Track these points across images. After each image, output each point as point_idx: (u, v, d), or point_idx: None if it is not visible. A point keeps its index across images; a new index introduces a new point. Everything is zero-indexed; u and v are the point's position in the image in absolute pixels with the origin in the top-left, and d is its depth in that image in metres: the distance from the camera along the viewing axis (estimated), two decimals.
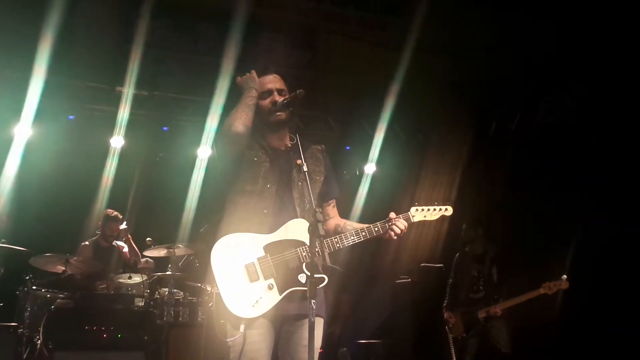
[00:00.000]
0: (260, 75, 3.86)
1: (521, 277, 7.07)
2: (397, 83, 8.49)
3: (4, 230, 7.46)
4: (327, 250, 3.51)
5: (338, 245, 3.62)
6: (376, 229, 3.66)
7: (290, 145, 3.84)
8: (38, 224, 8.15)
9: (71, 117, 8.80)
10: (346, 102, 9.40)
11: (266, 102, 3.77)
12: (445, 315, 7.13)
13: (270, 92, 3.79)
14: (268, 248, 3.58)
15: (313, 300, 3.24)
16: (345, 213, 9.44)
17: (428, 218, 3.77)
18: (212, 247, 3.57)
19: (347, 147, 10.10)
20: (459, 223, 7.40)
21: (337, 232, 3.79)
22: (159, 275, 7.67)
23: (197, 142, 8.87)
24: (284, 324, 3.61)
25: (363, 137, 9.59)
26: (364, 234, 3.63)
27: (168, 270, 7.47)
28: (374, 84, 8.90)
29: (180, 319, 7.30)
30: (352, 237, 3.64)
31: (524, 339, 7.08)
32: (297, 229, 3.60)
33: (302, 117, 7.87)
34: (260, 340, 3.51)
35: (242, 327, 3.45)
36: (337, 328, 7.88)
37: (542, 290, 6.61)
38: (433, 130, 9.62)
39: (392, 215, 3.68)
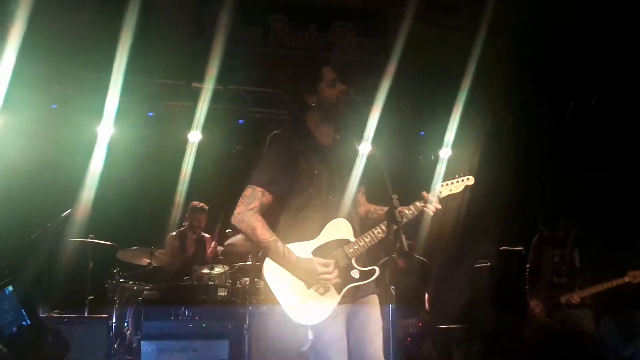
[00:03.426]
0: (317, 65, 3.82)
1: (604, 263, 6.86)
2: (470, 66, 8.38)
3: (92, 226, 7.77)
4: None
5: (380, 236, 3.64)
6: (410, 211, 3.70)
7: (338, 137, 3.85)
8: (123, 219, 8.43)
9: (150, 113, 9.08)
10: (419, 87, 9.33)
11: (334, 92, 3.73)
12: (529, 301, 7.00)
13: (334, 81, 3.74)
14: (316, 253, 3.61)
15: (392, 287, 3.42)
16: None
17: (453, 191, 3.84)
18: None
19: (422, 133, 10.05)
20: (537, 207, 7.27)
21: (368, 217, 3.88)
22: (240, 266, 7.83)
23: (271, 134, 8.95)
24: (351, 317, 3.66)
25: (437, 122, 9.51)
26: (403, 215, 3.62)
27: (249, 261, 7.62)
28: (447, 68, 8.81)
29: (262, 308, 7.44)
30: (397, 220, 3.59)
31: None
32: (339, 228, 3.66)
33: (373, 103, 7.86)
34: (333, 340, 3.54)
35: (310, 334, 3.49)
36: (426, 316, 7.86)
37: (627, 279, 6.36)
38: (508, 112, 9.45)
39: (424, 194, 3.73)
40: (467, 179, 3.87)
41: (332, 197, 3.69)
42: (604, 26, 7.92)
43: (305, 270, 3.53)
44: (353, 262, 3.63)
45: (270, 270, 3.57)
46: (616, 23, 7.74)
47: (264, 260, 3.59)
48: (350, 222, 3.70)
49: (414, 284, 7.91)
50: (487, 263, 8.39)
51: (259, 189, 3.62)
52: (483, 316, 8.13)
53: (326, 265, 3.53)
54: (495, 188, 9.16)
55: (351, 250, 3.62)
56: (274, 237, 3.55)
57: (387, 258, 3.53)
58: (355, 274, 3.62)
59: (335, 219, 3.67)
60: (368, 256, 3.70)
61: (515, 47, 8.47)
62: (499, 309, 7.97)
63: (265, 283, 3.55)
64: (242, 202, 3.61)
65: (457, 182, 3.86)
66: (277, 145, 3.73)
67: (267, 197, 3.63)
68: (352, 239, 3.67)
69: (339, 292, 3.57)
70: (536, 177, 8.86)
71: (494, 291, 8.11)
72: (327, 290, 3.55)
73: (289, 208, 3.67)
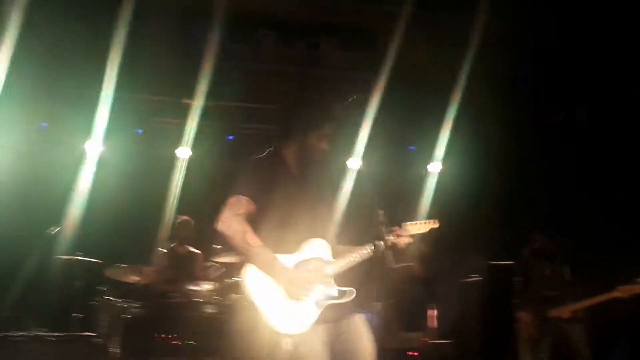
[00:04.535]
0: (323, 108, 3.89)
1: (594, 278, 6.85)
2: (460, 80, 8.41)
3: (80, 243, 7.74)
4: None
5: (357, 259, 3.77)
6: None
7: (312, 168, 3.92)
8: (112, 236, 8.40)
9: (139, 130, 9.08)
10: (409, 101, 9.35)
11: (318, 145, 3.82)
12: (519, 314, 6.97)
13: (325, 138, 3.83)
14: (298, 267, 3.66)
15: (379, 303, 3.40)
16: (411, 212, 9.46)
17: (421, 230, 4.02)
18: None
19: (412, 147, 10.06)
20: (527, 221, 7.26)
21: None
22: (228, 282, 7.79)
23: (262, 150, 8.96)
24: (335, 331, 3.70)
25: (427, 136, 9.52)
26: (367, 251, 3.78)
27: (237, 277, 7.58)
28: (437, 82, 8.83)
29: (249, 324, 7.39)
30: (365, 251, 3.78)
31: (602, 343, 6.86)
32: (318, 248, 3.76)
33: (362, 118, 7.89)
34: (311, 350, 3.57)
35: (288, 344, 3.51)
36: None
37: (616, 293, 6.36)
38: (498, 127, 9.47)
39: (395, 228, 3.85)
40: (434, 222, 4.09)
41: (310, 220, 3.76)
42: (595, 37, 7.96)
43: (289, 279, 3.55)
44: (332, 280, 3.70)
45: (252, 277, 3.57)
46: (604, 33, 7.77)
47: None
48: (328, 244, 3.80)
49: (422, 297, 7.90)
50: (476, 277, 8.37)
51: (245, 198, 3.66)
52: (473, 331, 8.09)
53: (311, 277, 3.59)
54: (485, 202, 9.18)
55: (331, 269, 3.70)
56: (262, 244, 3.58)
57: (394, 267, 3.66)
58: (334, 292, 3.69)
59: (314, 239, 3.75)
60: (348, 277, 3.78)
61: (503, 59, 8.48)
62: (489, 323, 7.94)
63: (247, 290, 3.56)
64: (228, 209, 3.64)
65: (424, 223, 4.05)
66: (259, 165, 3.82)
67: (252, 207, 3.66)
68: (331, 259, 3.75)
69: (318, 308, 3.62)
70: (526, 191, 8.85)
71: (483, 306, 8.09)
72: (306, 303, 3.58)
73: (268, 225, 3.69)
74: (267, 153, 3.89)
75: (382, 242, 3.62)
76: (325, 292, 3.66)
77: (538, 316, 6.77)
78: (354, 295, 3.70)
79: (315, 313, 3.61)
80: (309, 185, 3.86)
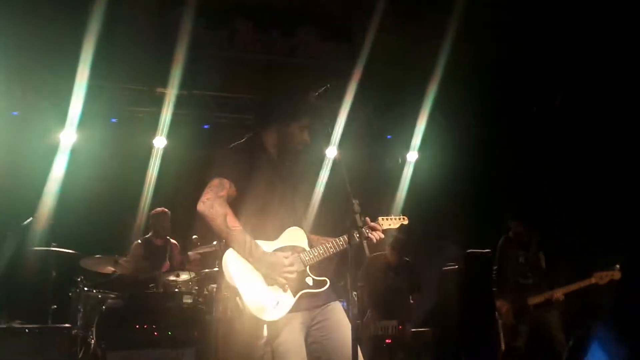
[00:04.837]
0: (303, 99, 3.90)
1: (571, 265, 6.94)
2: (436, 70, 8.42)
3: (55, 234, 7.64)
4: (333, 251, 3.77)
5: (333, 250, 3.78)
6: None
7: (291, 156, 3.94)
8: (87, 227, 8.31)
9: (114, 119, 8.97)
10: (385, 91, 9.35)
11: (299, 137, 3.83)
12: (497, 302, 7.03)
13: (306, 129, 3.84)
14: (276, 254, 3.67)
15: (355, 293, 3.39)
16: (389, 201, 9.48)
17: (392, 226, 4.11)
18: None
19: (389, 136, 10.07)
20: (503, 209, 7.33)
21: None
22: (206, 272, 7.76)
23: (238, 138, 8.92)
24: (311, 319, 3.73)
25: (404, 125, 9.54)
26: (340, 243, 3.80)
27: (215, 267, 7.55)
28: (413, 72, 8.84)
29: (228, 313, 7.37)
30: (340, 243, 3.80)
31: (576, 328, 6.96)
32: (296, 236, 3.78)
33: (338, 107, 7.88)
34: (289, 342, 3.59)
35: (265, 330, 3.53)
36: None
37: (593, 280, 6.46)
38: (473, 115, 9.53)
39: (367, 219, 3.84)
40: (403, 218, 4.19)
41: (287, 208, 3.79)
42: (567, 28, 8.00)
43: (269, 263, 3.57)
44: (307, 269, 3.73)
45: (232, 262, 3.57)
46: (579, 24, 7.82)
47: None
48: (305, 233, 3.83)
49: (398, 285, 7.91)
50: (454, 266, 8.42)
51: (227, 180, 3.65)
52: (452, 319, 8.15)
53: (291, 263, 3.61)
54: (462, 191, 9.23)
55: (307, 258, 3.73)
56: (242, 228, 3.58)
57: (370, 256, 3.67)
58: (309, 280, 3.72)
59: (292, 227, 3.78)
60: (323, 266, 3.82)
61: (479, 50, 8.51)
62: (467, 311, 7.99)
63: (228, 274, 3.55)
64: (210, 190, 3.62)
65: (395, 219, 4.14)
66: (240, 150, 3.83)
67: (233, 190, 3.66)
68: (307, 248, 3.78)
69: (294, 294, 3.64)
70: (501, 179, 8.92)
71: (461, 294, 8.14)
72: (284, 290, 3.61)
73: (247, 211, 3.68)
74: (248, 139, 3.89)
75: (356, 234, 3.57)
76: (301, 280, 3.68)
77: (514, 304, 6.84)
78: (327, 286, 3.74)
79: (290, 301, 3.61)
80: (288, 173, 3.87)
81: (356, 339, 3.40)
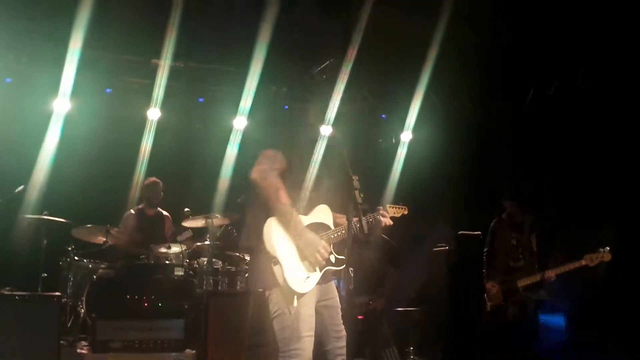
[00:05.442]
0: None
1: (563, 247, 6.99)
2: (431, 51, 8.38)
3: (46, 203, 7.61)
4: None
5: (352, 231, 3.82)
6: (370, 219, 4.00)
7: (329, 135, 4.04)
8: (79, 196, 8.29)
9: (108, 90, 8.91)
10: (380, 70, 9.31)
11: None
12: (487, 284, 7.07)
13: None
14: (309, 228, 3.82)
15: (351, 269, 3.70)
16: (382, 181, 9.47)
17: (396, 215, 4.24)
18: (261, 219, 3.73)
19: (383, 116, 10.06)
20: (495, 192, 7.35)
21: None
22: (198, 245, 7.77)
23: (233, 112, 8.91)
24: (320, 294, 3.91)
25: (398, 105, 9.52)
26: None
27: (207, 240, 7.57)
28: (408, 52, 8.79)
29: (219, 287, 7.41)
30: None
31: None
32: (325, 214, 3.94)
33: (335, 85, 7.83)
34: (308, 314, 3.76)
35: (295, 301, 3.68)
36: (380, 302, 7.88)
37: (583, 262, 6.51)
38: (468, 97, 9.51)
39: (380, 208, 4.06)
40: (405, 208, 4.33)
41: (324, 186, 3.91)
42: (566, 15, 7.98)
43: (308, 240, 3.73)
44: (331, 247, 3.87)
45: (275, 232, 3.70)
46: (579, 12, 7.80)
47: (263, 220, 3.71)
48: (331, 212, 3.97)
49: (370, 262, 7.90)
50: (445, 247, 8.45)
51: (280, 153, 3.79)
52: (441, 299, 8.18)
53: (325, 245, 3.76)
54: (455, 172, 9.24)
55: (332, 237, 3.87)
56: (290, 203, 3.72)
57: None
58: (332, 258, 3.87)
59: (322, 205, 3.92)
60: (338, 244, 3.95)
61: (476, 33, 8.48)
62: (456, 292, 8.03)
63: (270, 242, 3.67)
64: (264, 161, 3.75)
65: (399, 208, 4.29)
66: (292, 126, 4.13)
67: (284, 165, 3.78)
68: (332, 226, 3.93)
69: (320, 270, 3.81)
70: (495, 162, 8.94)
71: (451, 275, 8.18)
72: (314, 265, 3.76)
73: (291, 185, 3.79)
74: (289, 113, 4.04)
75: (372, 218, 3.88)
76: (327, 258, 3.83)
77: (504, 286, 6.89)
78: (344, 265, 3.89)
79: (317, 276, 3.79)
80: (326, 148, 3.94)
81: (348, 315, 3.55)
